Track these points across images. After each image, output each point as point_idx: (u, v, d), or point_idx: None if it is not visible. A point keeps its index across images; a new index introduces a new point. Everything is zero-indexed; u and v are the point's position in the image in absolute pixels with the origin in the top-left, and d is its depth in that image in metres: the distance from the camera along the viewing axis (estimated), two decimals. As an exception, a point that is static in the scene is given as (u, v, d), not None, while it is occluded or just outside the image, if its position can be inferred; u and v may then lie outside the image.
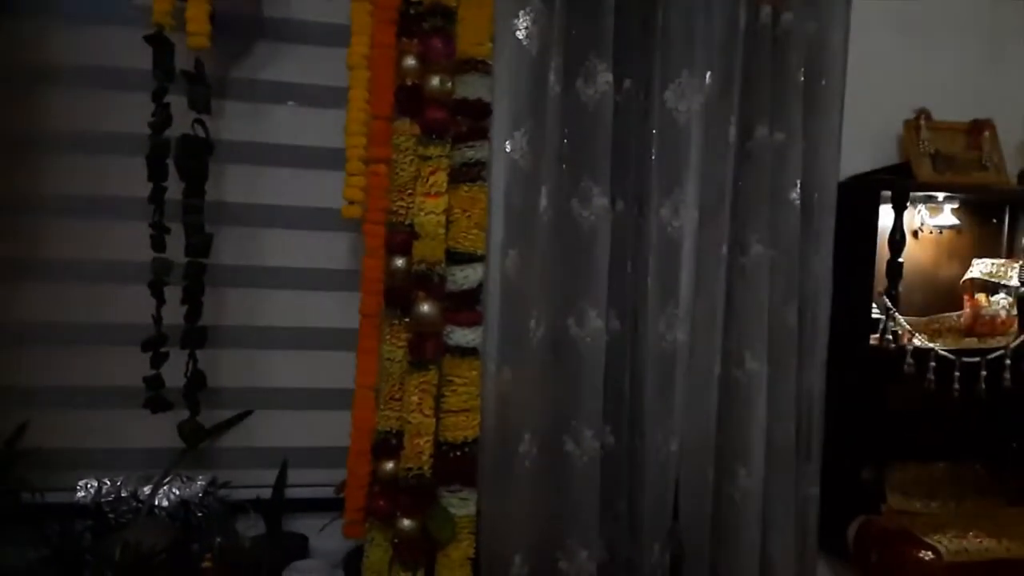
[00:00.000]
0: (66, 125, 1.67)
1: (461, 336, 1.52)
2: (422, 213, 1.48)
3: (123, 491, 1.67)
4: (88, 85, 1.68)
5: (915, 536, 1.66)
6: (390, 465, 1.52)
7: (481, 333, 1.55)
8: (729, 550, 1.73)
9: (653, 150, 1.67)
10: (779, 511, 1.75)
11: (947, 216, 1.97)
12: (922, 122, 1.87)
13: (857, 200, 1.79)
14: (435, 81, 1.48)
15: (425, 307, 1.49)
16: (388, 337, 1.54)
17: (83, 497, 1.66)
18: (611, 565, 1.69)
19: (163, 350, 1.62)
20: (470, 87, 1.50)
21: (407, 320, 1.52)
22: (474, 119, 1.52)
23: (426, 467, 1.48)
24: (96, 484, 1.67)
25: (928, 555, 1.61)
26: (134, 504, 1.66)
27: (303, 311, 1.80)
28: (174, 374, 1.66)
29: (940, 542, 1.64)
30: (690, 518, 1.74)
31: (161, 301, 1.61)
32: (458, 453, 1.51)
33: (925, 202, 1.96)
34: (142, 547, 1.46)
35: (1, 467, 1.59)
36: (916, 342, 1.77)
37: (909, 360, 1.74)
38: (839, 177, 1.80)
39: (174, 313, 1.64)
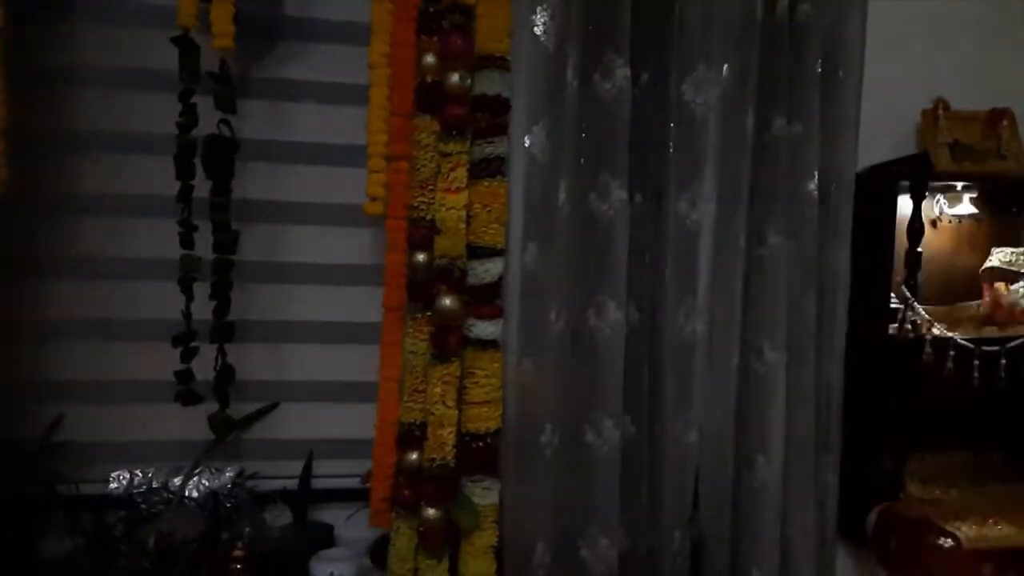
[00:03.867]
0: (95, 125, 1.71)
1: (482, 329, 1.54)
2: (443, 208, 1.49)
3: (154, 482, 1.71)
4: (117, 86, 1.71)
5: (934, 523, 1.67)
6: (414, 456, 1.54)
7: (502, 326, 1.57)
8: (749, 538, 1.75)
9: (671, 143, 1.68)
10: (799, 499, 1.76)
11: (966, 205, 1.97)
12: (940, 112, 1.86)
13: (875, 190, 1.79)
14: (454, 78, 1.49)
15: (447, 301, 1.50)
16: (411, 330, 1.56)
17: (116, 488, 1.70)
18: (632, 553, 1.71)
19: (193, 345, 1.66)
20: (489, 83, 1.51)
21: (429, 314, 1.53)
22: (493, 115, 1.52)
23: (450, 457, 1.50)
24: (128, 476, 1.71)
25: (948, 542, 1.62)
26: (165, 495, 1.70)
27: (327, 306, 1.83)
28: (203, 368, 1.69)
29: (959, 529, 1.65)
30: (710, 506, 1.75)
31: (190, 297, 1.64)
32: (481, 444, 1.53)
33: (944, 192, 1.95)
34: (175, 536, 1.50)
35: (37, 460, 1.63)
36: (935, 331, 1.77)
37: (928, 349, 1.74)
38: (857, 168, 1.80)
39: (203, 308, 1.67)
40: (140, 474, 1.71)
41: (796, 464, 1.75)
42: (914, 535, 1.68)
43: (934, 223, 1.98)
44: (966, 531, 1.65)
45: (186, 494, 1.70)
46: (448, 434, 1.50)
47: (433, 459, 1.50)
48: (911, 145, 1.95)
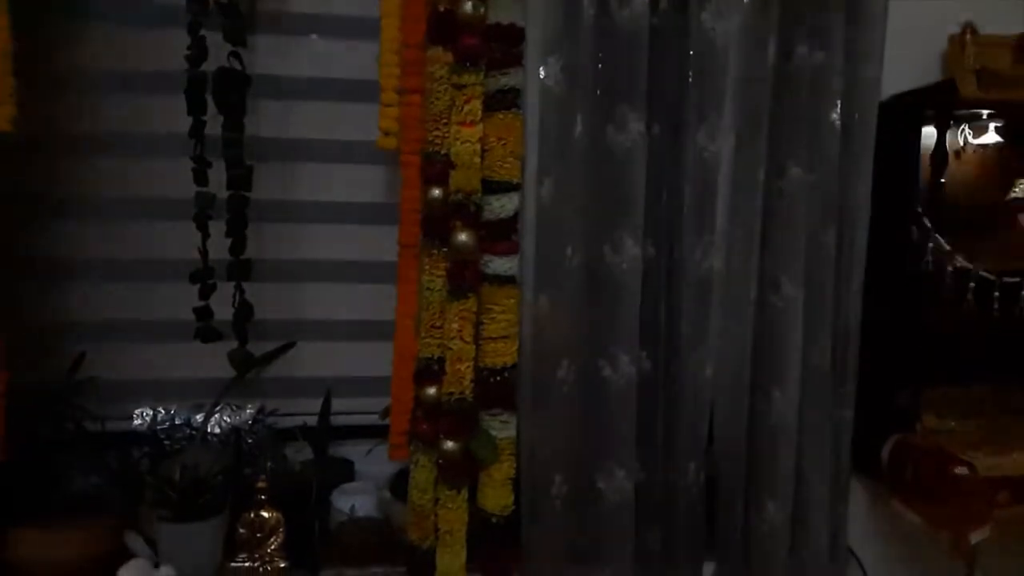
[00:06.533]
0: (104, 63, 1.69)
1: (499, 265, 1.53)
2: (458, 142, 1.47)
3: (177, 419, 1.75)
4: (124, 21, 1.68)
5: (950, 453, 1.67)
6: (432, 390, 1.56)
7: (518, 261, 1.56)
8: (764, 471, 1.76)
9: (690, 73, 1.64)
10: (814, 432, 1.77)
11: (991, 135, 1.92)
12: (968, 37, 1.80)
13: (899, 120, 1.75)
14: (467, 6, 1.45)
15: (463, 236, 1.50)
16: (427, 267, 1.55)
17: (139, 425, 1.74)
18: (648, 485, 1.73)
19: (210, 282, 1.67)
20: (503, 11, 1.47)
21: (445, 250, 1.53)
22: (508, 45, 1.49)
23: (467, 392, 1.51)
24: (151, 413, 1.75)
25: (963, 470, 1.62)
26: (188, 432, 1.74)
27: (342, 245, 1.83)
28: (222, 309, 1.70)
29: (975, 458, 1.65)
30: (725, 440, 1.77)
31: (206, 234, 1.64)
32: (498, 378, 1.54)
33: (969, 121, 1.90)
34: (199, 470, 1.53)
35: (61, 397, 1.66)
36: (956, 263, 1.74)
37: (948, 281, 1.73)
38: (880, 96, 1.76)
39: (219, 250, 1.67)
40: (163, 411, 1.75)
41: (812, 397, 1.75)
42: (930, 464, 1.69)
43: (958, 154, 1.93)
44: (982, 459, 1.65)
45: (208, 430, 1.73)
46: (466, 369, 1.51)
47: (451, 393, 1.51)
48: (936, 73, 1.89)
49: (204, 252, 1.64)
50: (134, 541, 1.55)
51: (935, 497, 1.68)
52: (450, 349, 1.51)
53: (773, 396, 1.74)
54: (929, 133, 1.76)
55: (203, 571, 1.52)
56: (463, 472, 1.53)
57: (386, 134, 1.57)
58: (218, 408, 1.74)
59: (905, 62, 1.83)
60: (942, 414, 1.84)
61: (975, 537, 1.65)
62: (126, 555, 1.53)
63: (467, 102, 1.47)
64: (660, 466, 1.74)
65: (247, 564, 1.53)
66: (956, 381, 1.85)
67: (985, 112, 1.85)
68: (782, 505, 1.75)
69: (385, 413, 1.69)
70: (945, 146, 1.74)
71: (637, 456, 1.70)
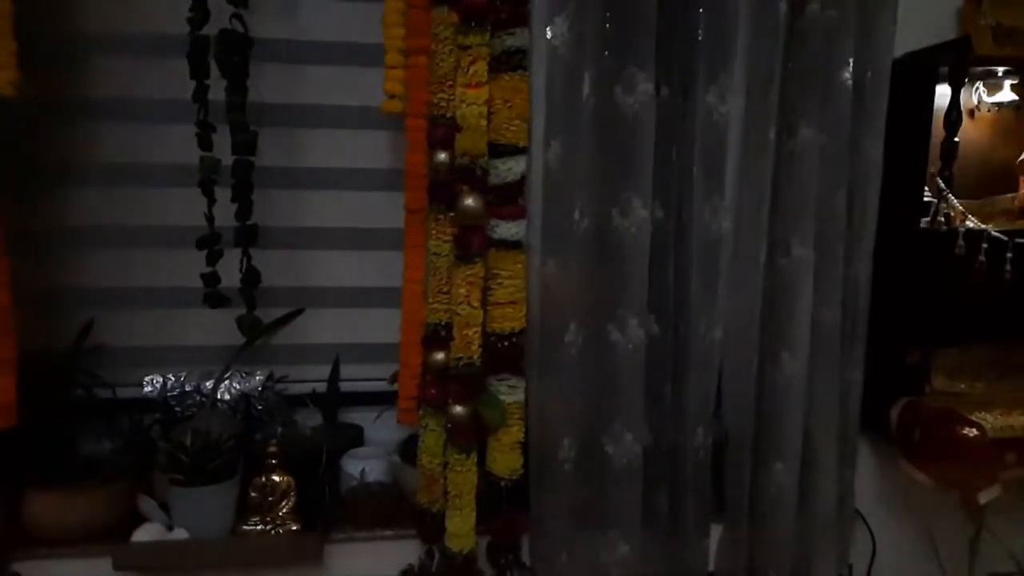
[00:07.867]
0: (105, 25, 1.67)
1: (506, 229, 1.53)
2: (463, 104, 1.46)
3: (187, 386, 1.76)
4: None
5: (959, 414, 1.67)
6: (440, 356, 1.56)
7: (525, 226, 1.55)
8: (772, 434, 1.76)
9: (700, 31, 1.60)
10: (822, 396, 1.76)
11: (1006, 92, 1.88)
12: (984, -8, 1.77)
13: (912, 78, 1.72)
14: (472, -35, 1.43)
15: (469, 201, 1.49)
16: (434, 232, 1.55)
17: (150, 392, 1.75)
18: (656, 448, 1.73)
19: (217, 248, 1.66)
20: (508, -30, 1.45)
21: (452, 215, 1.52)
22: (513, 4, 1.47)
23: (475, 356, 1.52)
24: (161, 379, 1.76)
25: (972, 431, 1.63)
26: (198, 398, 1.75)
27: (348, 211, 1.82)
28: (229, 276, 1.70)
29: (985, 419, 1.65)
30: (734, 403, 1.77)
31: (212, 199, 1.63)
32: (506, 343, 1.55)
33: (983, 79, 1.87)
34: (211, 435, 1.54)
35: (70, 364, 1.67)
36: (968, 224, 1.72)
37: (960, 242, 1.70)
38: (894, 55, 1.72)
39: (226, 218, 1.66)
40: (172, 378, 1.76)
41: (821, 359, 1.74)
42: (938, 425, 1.69)
43: (971, 113, 1.90)
44: (991, 421, 1.65)
45: (218, 396, 1.74)
46: (474, 334, 1.51)
47: (459, 358, 1.52)
48: (952, 30, 1.85)
49: (210, 217, 1.64)
50: (147, 504, 1.57)
51: (943, 458, 1.68)
52: (458, 314, 1.51)
53: (782, 358, 1.73)
54: (943, 93, 1.72)
55: (216, 534, 1.54)
56: (472, 436, 1.54)
57: (391, 97, 1.55)
58: (228, 374, 1.75)
59: (919, 19, 1.79)
60: (952, 376, 1.84)
61: (984, 498, 1.66)
62: (139, 518, 1.55)
63: (472, 63, 1.45)
64: (668, 429, 1.74)
65: (259, 527, 1.55)
66: (966, 343, 1.84)
67: (1001, 69, 1.81)
68: (790, 467, 1.75)
69: (394, 378, 1.69)
70: (959, 105, 1.71)
71: (645, 419, 1.70)
